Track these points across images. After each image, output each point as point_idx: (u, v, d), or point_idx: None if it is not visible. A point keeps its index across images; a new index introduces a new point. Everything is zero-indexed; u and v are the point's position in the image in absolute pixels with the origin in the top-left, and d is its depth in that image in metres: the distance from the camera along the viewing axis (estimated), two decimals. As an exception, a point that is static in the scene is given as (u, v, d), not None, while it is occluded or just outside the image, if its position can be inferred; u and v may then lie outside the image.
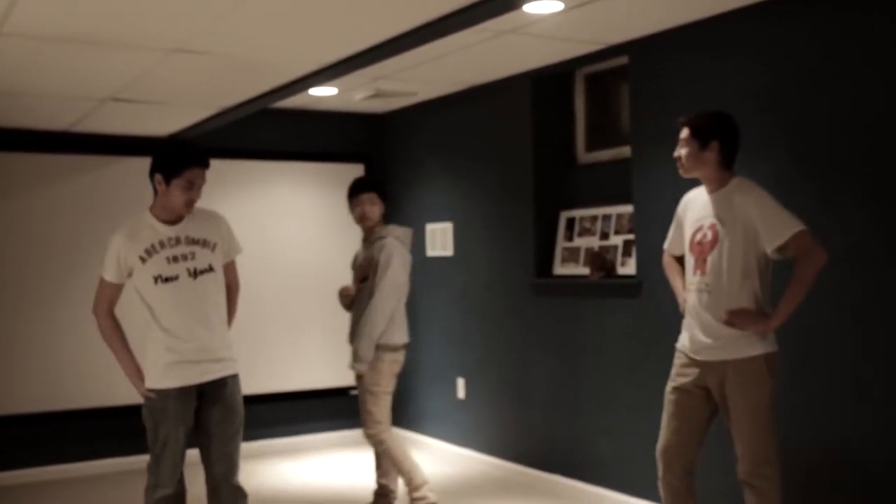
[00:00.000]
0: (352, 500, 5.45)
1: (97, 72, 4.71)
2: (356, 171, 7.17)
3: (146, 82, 4.97)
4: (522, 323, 5.71)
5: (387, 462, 4.86)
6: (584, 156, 5.58)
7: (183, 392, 3.60)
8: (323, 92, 6.06)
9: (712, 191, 3.54)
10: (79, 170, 6.36)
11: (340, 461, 6.50)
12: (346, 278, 7.46)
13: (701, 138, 3.49)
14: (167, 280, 3.59)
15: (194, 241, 3.66)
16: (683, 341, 3.62)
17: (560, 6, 4.07)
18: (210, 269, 3.67)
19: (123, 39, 4.13)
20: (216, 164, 6.56)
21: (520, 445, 5.76)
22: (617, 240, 5.14)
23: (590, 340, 5.16)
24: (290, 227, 6.94)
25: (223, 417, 3.65)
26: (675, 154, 3.59)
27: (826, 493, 3.90)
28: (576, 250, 5.43)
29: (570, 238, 5.49)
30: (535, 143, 5.60)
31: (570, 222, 5.50)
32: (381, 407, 4.74)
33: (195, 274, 3.63)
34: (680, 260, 3.80)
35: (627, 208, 5.04)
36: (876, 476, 3.70)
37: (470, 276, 6.22)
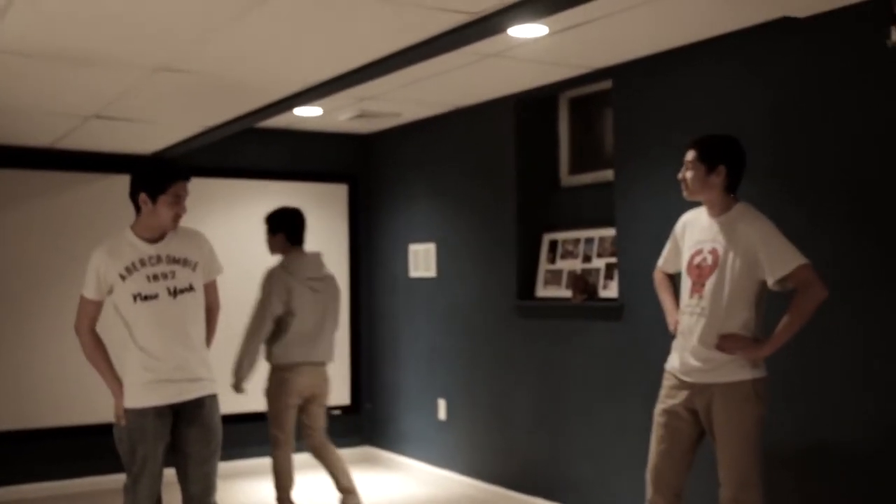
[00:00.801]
0: (331, 521, 5.42)
1: (81, 89, 4.70)
2: (340, 191, 7.18)
3: (130, 100, 4.97)
4: (504, 345, 5.71)
5: (339, 463, 5.23)
6: (567, 178, 5.61)
7: (160, 411, 3.57)
8: (308, 112, 6.06)
9: (715, 215, 3.53)
10: (61, 187, 6.34)
11: (317, 480, 6.46)
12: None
13: (708, 162, 3.47)
14: (146, 298, 3.57)
15: (175, 260, 3.64)
16: (673, 362, 3.62)
17: (545, 30, 4.09)
18: (190, 288, 3.65)
19: (108, 57, 4.13)
20: (200, 183, 6.62)
21: (501, 467, 5.75)
22: (599, 263, 5.16)
23: (572, 363, 5.16)
24: (273, 246, 6.93)
25: (200, 437, 3.63)
26: (681, 175, 3.56)
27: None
28: (558, 273, 5.44)
29: (552, 260, 5.51)
30: (519, 166, 5.62)
31: (553, 245, 5.51)
32: (273, 423, 5.13)
33: (175, 293, 3.61)
34: (671, 279, 3.81)
35: (610, 231, 5.06)
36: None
37: (452, 297, 6.22)
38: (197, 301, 3.70)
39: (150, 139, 6.08)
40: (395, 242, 6.91)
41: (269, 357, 5.07)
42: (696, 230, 3.60)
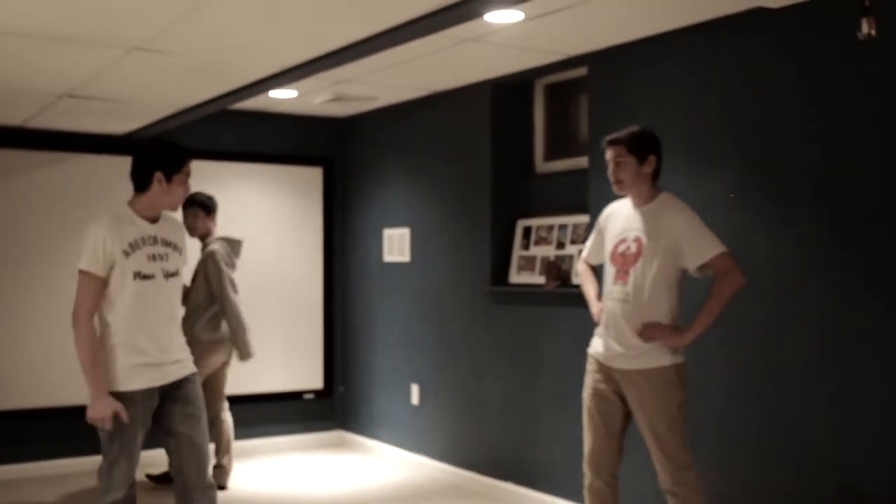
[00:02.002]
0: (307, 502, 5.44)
1: (53, 68, 4.65)
2: (315, 174, 7.15)
3: (103, 80, 4.92)
4: (478, 330, 5.73)
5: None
6: (542, 165, 5.62)
7: (146, 394, 3.51)
8: (283, 94, 6.03)
9: (640, 205, 3.65)
10: (33, 166, 6.26)
11: (296, 463, 6.47)
12: (308, 280, 7.45)
13: (639, 154, 3.59)
14: (145, 277, 3.50)
15: (167, 244, 3.60)
16: (597, 347, 3.73)
17: (521, 16, 4.09)
18: (177, 273, 3.64)
19: (81, 36, 4.09)
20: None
21: (473, 452, 5.78)
22: (573, 249, 5.18)
23: (544, 349, 5.18)
24: (249, 229, 6.88)
25: (189, 414, 3.59)
26: (610, 173, 3.65)
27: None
28: (532, 259, 5.46)
29: (526, 247, 5.52)
30: (494, 151, 5.63)
31: (527, 231, 5.53)
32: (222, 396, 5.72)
33: (167, 276, 3.58)
34: (595, 270, 3.93)
35: (584, 218, 5.08)
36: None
37: (426, 282, 6.23)
38: (180, 286, 3.72)
39: (123, 119, 6.03)
40: (369, 227, 6.91)
41: (190, 332, 5.19)
42: (620, 220, 3.72)
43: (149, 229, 3.56)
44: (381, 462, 6.51)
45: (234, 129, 6.83)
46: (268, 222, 6.93)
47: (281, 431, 7.00)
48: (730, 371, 4.12)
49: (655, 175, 3.65)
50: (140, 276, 3.49)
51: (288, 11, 3.77)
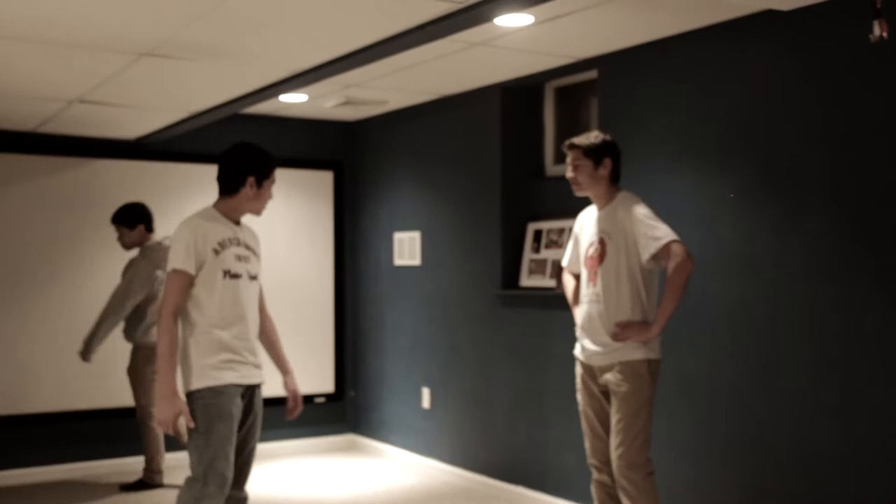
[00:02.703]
0: (314, 508, 5.44)
1: (65, 73, 4.67)
2: (326, 178, 7.16)
3: (115, 85, 4.94)
4: (488, 334, 5.72)
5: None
6: (552, 168, 5.61)
7: (236, 390, 3.47)
8: (293, 98, 6.05)
9: (601, 207, 3.84)
10: (45, 171, 6.29)
11: (308, 467, 6.47)
12: (319, 284, 7.46)
13: (594, 158, 3.78)
14: (234, 276, 3.51)
15: (248, 248, 3.63)
16: (578, 349, 3.92)
17: (531, 20, 4.10)
18: (256, 277, 3.64)
19: (92, 42, 4.11)
20: (185, 169, 6.64)
21: (484, 456, 5.77)
22: (583, 252, 5.17)
23: (555, 352, 5.17)
24: (260, 232, 6.85)
25: (252, 423, 3.58)
26: (569, 175, 3.84)
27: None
28: (542, 262, 5.45)
29: (536, 250, 5.52)
30: (504, 155, 5.63)
31: (538, 234, 5.53)
32: (147, 397, 5.66)
33: (250, 278, 3.59)
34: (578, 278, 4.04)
35: (594, 221, 5.07)
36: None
37: (437, 285, 6.23)
38: (259, 290, 3.69)
39: (134, 124, 6.05)
40: (380, 230, 6.91)
41: (132, 337, 5.68)
42: (588, 225, 3.91)
43: (235, 231, 3.58)
44: (392, 466, 6.51)
45: (245, 134, 6.76)
46: (279, 226, 6.93)
47: (292, 435, 7.00)
48: (736, 371, 4.11)
49: (615, 177, 3.82)
50: (229, 274, 3.49)
51: (299, 16, 3.78)
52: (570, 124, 5.56)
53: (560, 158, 5.58)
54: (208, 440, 3.39)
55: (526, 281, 5.55)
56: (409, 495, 5.68)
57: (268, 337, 3.80)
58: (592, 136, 3.81)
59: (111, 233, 5.92)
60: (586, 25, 4.24)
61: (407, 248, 6.56)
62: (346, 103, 6.18)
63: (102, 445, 6.32)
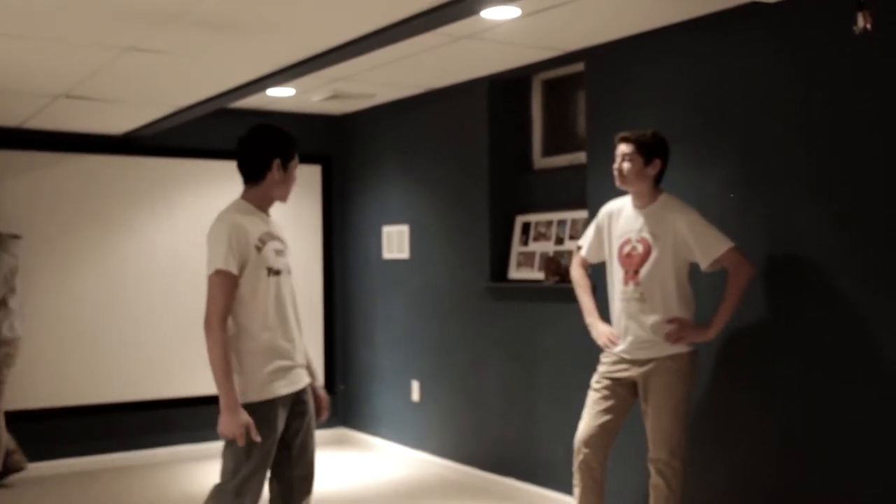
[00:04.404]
0: None
1: (50, 68, 4.65)
2: (314, 171, 7.15)
3: (100, 80, 4.92)
4: (477, 326, 5.73)
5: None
6: (540, 161, 5.62)
7: (286, 400, 3.27)
8: (281, 93, 6.03)
9: (642, 205, 3.86)
10: (31, 167, 6.27)
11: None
12: (308, 277, 7.44)
13: (646, 155, 3.80)
14: (277, 273, 3.27)
15: (281, 240, 3.41)
16: (616, 347, 3.92)
17: (517, 13, 4.09)
18: (291, 271, 3.42)
19: (77, 37, 4.09)
20: (172, 164, 6.61)
21: (474, 448, 5.79)
22: (572, 245, 5.18)
23: (544, 344, 5.19)
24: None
25: (308, 424, 3.39)
26: (616, 166, 3.84)
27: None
28: (531, 255, 5.46)
29: (525, 242, 5.53)
30: (492, 148, 5.63)
31: (526, 227, 5.54)
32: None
33: (289, 272, 3.38)
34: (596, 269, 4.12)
35: (582, 214, 5.09)
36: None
37: (426, 279, 6.23)
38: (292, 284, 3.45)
39: (121, 119, 6.02)
40: (368, 224, 6.91)
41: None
42: (622, 220, 3.91)
43: (269, 222, 3.36)
44: (383, 459, 6.53)
45: (232, 128, 6.76)
46: (267, 220, 6.93)
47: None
48: (717, 363, 4.13)
49: (658, 177, 3.84)
50: (273, 271, 3.26)
51: (284, 10, 3.77)
52: (557, 117, 5.57)
53: (548, 151, 5.59)
54: (250, 453, 3.18)
55: (514, 273, 5.57)
56: (400, 488, 5.69)
57: None
58: (649, 133, 3.84)
59: (100, 230, 5.90)
60: (573, 18, 4.25)
61: (396, 241, 6.56)
62: (334, 97, 6.17)
63: None
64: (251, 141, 3.35)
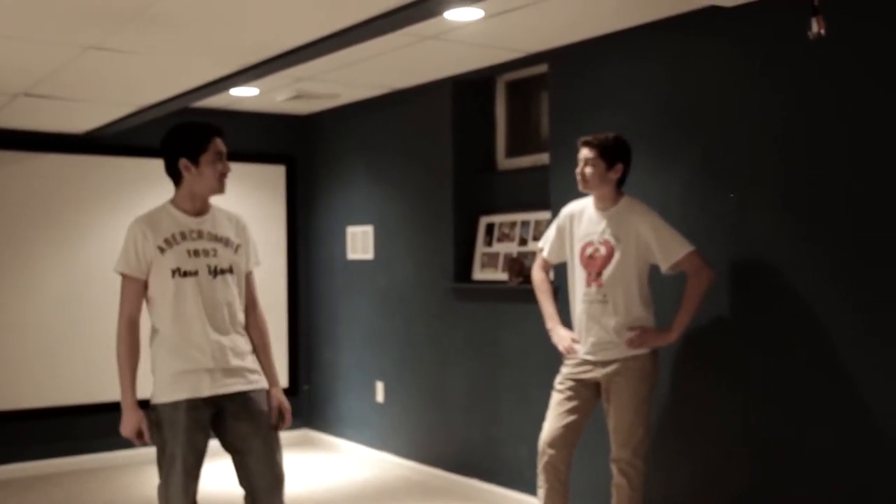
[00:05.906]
0: None
1: (8, 66, 4.59)
2: (278, 172, 7.13)
3: (60, 78, 4.87)
4: (441, 327, 5.74)
5: None
6: (503, 162, 5.65)
7: (193, 404, 3.22)
8: (244, 92, 6.01)
9: (605, 208, 3.89)
10: (-10, 166, 6.20)
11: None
12: (272, 278, 7.39)
13: (608, 160, 3.84)
14: (185, 274, 3.24)
15: (217, 238, 3.35)
16: (579, 350, 3.96)
17: (480, 14, 4.11)
18: (230, 270, 3.35)
19: (34, 35, 4.05)
20: (136, 163, 6.56)
21: (437, 449, 5.79)
22: (535, 246, 5.20)
23: (508, 345, 5.21)
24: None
25: (253, 431, 3.31)
26: (579, 171, 3.88)
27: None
28: (495, 256, 5.48)
29: (489, 243, 5.55)
30: (456, 148, 5.65)
31: (490, 228, 5.55)
32: None
33: (215, 272, 3.29)
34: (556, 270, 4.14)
35: (545, 215, 5.12)
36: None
37: (390, 279, 6.23)
38: (238, 285, 3.40)
39: (82, 118, 5.96)
40: (333, 224, 6.90)
41: None
42: (584, 223, 3.95)
43: (189, 223, 3.32)
44: (347, 460, 6.52)
45: (196, 128, 6.77)
46: (230, 221, 6.89)
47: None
48: (680, 364, 4.18)
49: (621, 181, 3.88)
50: (179, 273, 3.24)
51: (249, 9, 3.76)
52: (521, 118, 5.59)
53: (512, 152, 5.62)
54: (161, 456, 3.24)
55: (479, 274, 5.58)
56: (364, 489, 5.68)
57: (252, 339, 3.47)
58: (610, 138, 3.87)
59: (62, 230, 5.84)
60: (536, 19, 4.27)
61: (360, 241, 6.55)
62: (298, 97, 6.15)
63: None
64: (161, 147, 3.38)
